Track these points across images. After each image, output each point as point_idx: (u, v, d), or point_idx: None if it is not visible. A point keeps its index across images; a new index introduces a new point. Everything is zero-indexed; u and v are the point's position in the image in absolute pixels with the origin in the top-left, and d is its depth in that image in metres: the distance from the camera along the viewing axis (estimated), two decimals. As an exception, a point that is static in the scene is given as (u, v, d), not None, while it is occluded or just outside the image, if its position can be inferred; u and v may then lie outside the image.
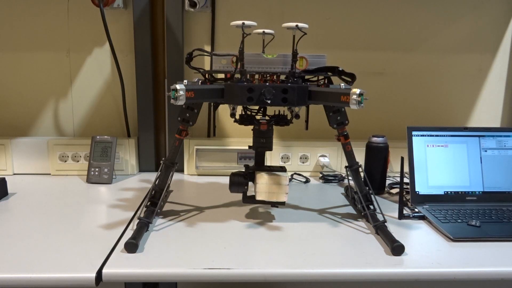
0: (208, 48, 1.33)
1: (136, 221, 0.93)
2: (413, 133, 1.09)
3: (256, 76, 0.94)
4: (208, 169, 1.31)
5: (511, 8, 1.37)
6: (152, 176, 1.29)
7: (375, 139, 1.18)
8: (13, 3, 1.29)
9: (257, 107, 1.01)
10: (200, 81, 0.95)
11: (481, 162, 1.08)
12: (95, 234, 0.86)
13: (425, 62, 1.40)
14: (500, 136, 1.10)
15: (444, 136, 1.10)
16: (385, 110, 1.41)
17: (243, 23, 0.87)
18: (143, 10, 1.26)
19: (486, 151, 1.09)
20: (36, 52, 1.32)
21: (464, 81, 1.41)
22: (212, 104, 1.07)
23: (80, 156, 1.29)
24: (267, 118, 0.98)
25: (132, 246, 0.79)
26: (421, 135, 1.09)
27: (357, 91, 0.80)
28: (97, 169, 1.23)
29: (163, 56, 1.32)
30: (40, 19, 1.30)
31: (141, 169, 1.34)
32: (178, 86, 0.81)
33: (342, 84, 0.93)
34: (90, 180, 1.22)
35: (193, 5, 1.25)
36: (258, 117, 0.99)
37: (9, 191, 1.12)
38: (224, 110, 1.34)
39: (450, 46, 1.39)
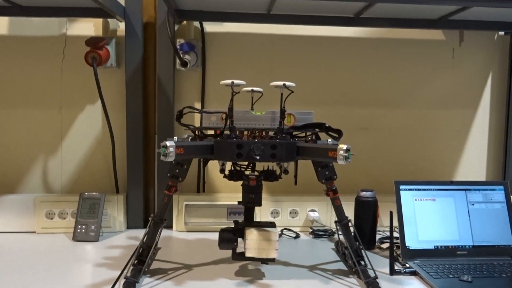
0: (198, 105, 1.36)
1: (122, 280, 0.90)
2: (401, 187, 1.10)
3: (245, 133, 0.96)
4: (197, 225, 1.30)
5: (487, 65, 1.43)
6: (140, 233, 1.27)
7: (363, 194, 1.18)
8: (9, 60, 1.32)
9: (246, 163, 1.01)
10: (190, 138, 0.96)
11: (469, 216, 1.09)
12: (80, 295, 0.84)
13: (409, 117, 1.44)
14: (486, 189, 1.12)
15: (431, 190, 1.11)
16: (373, 165, 1.43)
17: (233, 82, 0.90)
18: (135, 69, 1.29)
19: (473, 204, 1.10)
20: (28, 109, 1.34)
21: (448, 135, 1.44)
22: (201, 160, 1.07)
23: (67, 213, 1.27)
24: (256, 173, 0.99)
25: (117, 307, 0.76)
26: (409, 189, 1.10)
27: (344, 146, 0.82)
28: (84, 226, 1.21)
29: (154, 113, 1.34)
30: (34, 76, 1.33)
31: (129, 226, 1.32)
32: (168, 143, 0.82)
33: (330, 140, 0.95)
34: (76, 237, 1.20)
35: (184, 64, 1.29)
36: (247, 172, 1.00)
37: (-9, 250, 1.09)
38: (213, 165, 1.35)
39: (433, 101, 1.43)
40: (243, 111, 0.97)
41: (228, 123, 0.92)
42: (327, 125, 0.95)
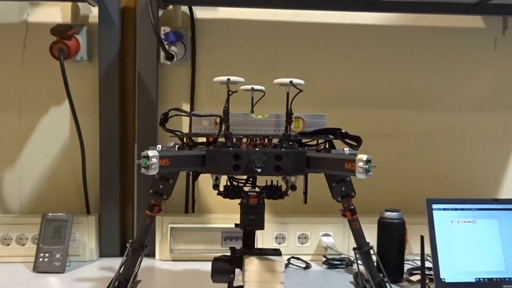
0: (187, 107, 1.36)
1: (93, 321, 0.90)
2: (434, 206, 1.10)
3: (244, 140, 0.96)
4: (185, 253, 1.29)
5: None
6: (116, 263, 1.26)
7: (388, 214, 1.18)
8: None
9: (245, 177, 1.00)
10: (177, 146, 0.96)
11: (517, 241, 1.09)
12: None
13: (442, 122, 1.44)
14: (537, 209, 1.11)
15: (471, 209, 1.10)
16: (399, 179, 1.43)
17: (229, 79, 0.90)
18: (110, 63, 1.30)
19: (522, 227, 1.10)
20: (-20, 112, 1.34)
21: (491, 143, 1.44)
22: (191, 173, 1.07)
23: (27, 239, 1.26)
24: (257, 190, 0.98)
25: None
26: (444, 209, 1.10)
27: (364, 157, 0.82)
28: (47, 255, 1.20)
29: (133, 117, 1.35)
30: (-12, 73, 1.34)
31: (102, 254, 1.32)
32: (150, 153, 0.82)
33: (346, 149, 0.94)
34: (37, 268, 1.19)
35: (170, 57, 1.29)
36: (246, 188, 0.99)
37: None
38: (205, 180, 1.34)
39: (471, 102, 1.44)
40: (241, 114, 0.97)
41: (223, 128, 0.91)
42: (343, 131, 0.95)
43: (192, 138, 0.99)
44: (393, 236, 1.16)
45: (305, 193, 1.03)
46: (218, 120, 0.96)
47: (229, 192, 0.98)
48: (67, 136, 1.36)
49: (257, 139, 0.97)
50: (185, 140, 0.98)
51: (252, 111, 1.08)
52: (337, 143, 1.00)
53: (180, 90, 1.36)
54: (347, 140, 0.96)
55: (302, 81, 0.92)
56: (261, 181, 1.03)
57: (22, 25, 1.33)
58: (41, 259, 1.19)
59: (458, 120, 1.44)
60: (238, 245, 1.05)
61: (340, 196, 0.94)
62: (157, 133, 1.32)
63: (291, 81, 0.91)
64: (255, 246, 1.02)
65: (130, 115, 1.35)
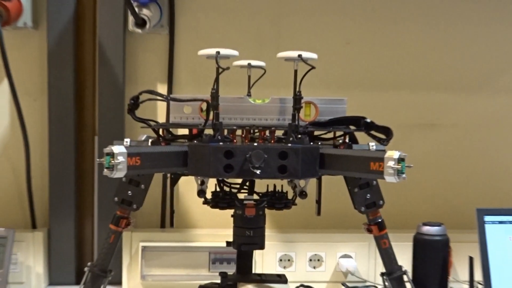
0: (163, 89, 1.35)
1: None
2: (486, 218, 1.10)
3: (239, 132, 0.96)
4: (161, 280, 1.29)
5: None
6: (71, 293, 1.27)
7: (427, 230, 1.18)
8: None
9: (239, 181, 1.00)
10: (150, 141, 0.96)
11: None
12: None
13: (497, 108, 1.44)
14: None
15: (534, 223, 1.11)
16: (441, 183, 1.43)
17: (218, 53, 0.89)
18: (62, 31, 1.29)
19: None
20: None
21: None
22: (169, 176, 1.08)
23: (-46, 261, 1.26)
24: (255, 197, 0.98)
25: None
26: (499, 222, 1.10)
27: (395, 154, 0.82)
28: (-20, 282, 1.20)
29: (93, 102, 1.34)
30: None
31: (53, 282, 1.32)
32: (115, 149, 0.82)
33: (372, 144, 0.94)
34: (-32, 300, 1.19)
35: (141, 23, 1.28)
36: (241, 196, 0.99)
37: None
38: (187, 185, 1.32)
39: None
40: (235, 98, 0.97)
41: (210, 117, 0.91)
42: (368, 120, 0.95)
43: (171, 129, 0.99)
44: (433, 257, 1.16)
45: (318, 201, 1.02)
46: (204, 106, 0.95)
47: (219, 201, 0.98)
48: (6, 127, 1.36)
49: (256, 131, 0.97)
50: (161, 133, 0.98)
51: (249, 94, 1.08)
52: (360, 136, 1.01)
53: (154, 66, 1.35)
54: (373, 132, 0.96)
55: (314, 55, 0.92)
56: (261, 186, 1.03)
57: None
58: (-28, 288, 1.19)
59: (518, 106, 1.44)
60: (231, 270, 1.05)
61: (364, 205, 0.94)
62: (125, 123, 1.32)
63: (300, 55, 0.90)
64: (253, 271, 1.02)
65: (89, 99, 1.35)
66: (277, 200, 0.98)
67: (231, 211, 0.97)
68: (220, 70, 0.89)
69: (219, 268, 1.27)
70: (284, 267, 1.32)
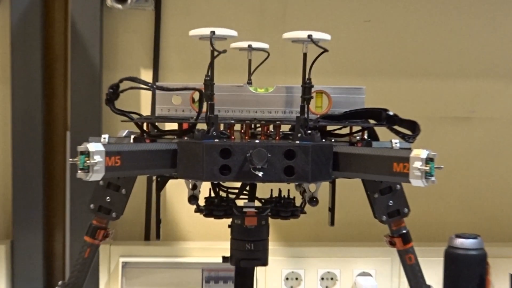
0: (148, 75, 1.36)
1: None
2: (531, 230, 1.10)
3: (237, 127, 0.96)
4: (145, 303, 1.30)
5: None
6: (38, 317, 1.27)
7: (461, 243, 1.18)
8: None
9: (238, 185, 1.01)
10: (132, 137, 0.96)
11: None
12: None
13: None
14: None
15: None
16: (477, 188, 1.44)
17: (213, 33, 0.89)
18: (28, 6, 1.29)
19: None
20: None
21: None
22: (155, 179, 1.08)
23: None
24: (257, 204, 0.98)
25: None
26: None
27: (423, 153, 0.82)
28: None
29: (64, 91, 1.35)
30: None
31: (17, 304, 1.32)
32: (91, 147, 0.82)
33: (396, 141, 0.94)
34: None
35: (121, -2, 1.30)
36: (240, 202, 0.99)
37: None
38: (177, 189, 1.34)
39: None
40: (233, 86, 0.97)
41: (204, 109, 0.91)
42: (390, 113, 0.95)
43: (156, 124, 1.00)
44: (468, 275, 1.16)
45: (331, 209, 1.03)
46: (196, 96, 0.96)
47: (214, 208, 0.98)
48: (-38, 121, 1.36)
49: (257, 125, 0.98)
50: (145, 128, 0.98)
51: (249, 82, 1.08)
52: (382, 132, 1.01)
53: (137, 49, 1.36)
54: (396, 128, 0.96)
55: (327, 36, 0.92)
56: (264, 191, 1.03)
57: None
58: None
59: None
60: (228, 290, 1.06)
61: (386, 214, 0.94)
62: (102, 116, 1.32)
63: (310, 36, 0.90)
64: (255, 292, 1.03)
65: (59, 88, 1.35)
66: (283, 208, 0.99)
67: (228, 221, 0.97)
68: (216, 53, 0.89)
69: (214, 288, 1.28)
70: (292, 287, 1.31)
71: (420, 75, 1.41)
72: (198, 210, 0.99)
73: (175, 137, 0.96)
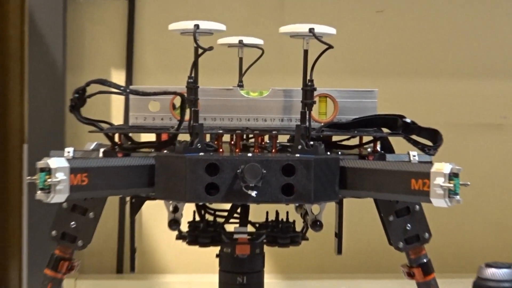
0: (120, 77, 1.38)
1: None
2: None
3: (226, 138, 0.97)
4: None
5: None
6: None
7: (492, 273, 1.19)
8: None
9: (228, 206, 1.01)
10: (102, 150, 0.96)
11: None
12: None
13: None
14: None
15: None
16: (510, 208, 1.44)
17: (197, 26, 0.89)
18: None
19: None
20: None
21: None
22: (128, 200, 1.07)
23: None
24: (250, 229, 0.99)
25: None
26: None
27: (447, 167, 0.82)
28: None
29: (20, 97, 1.36)
30: None
31: None
32: (53, 163, 0.82)
33: (413, 153, 0.95)
34: None
35: (88, -14, 1.31)
36: (230, 227, 0.99)
37: None
38: (154, 212, 1.34)
39: None
40: (221, 90, 0.98)
41: (187, 117, 0.92)
42: (407, 120, 0.96)
43: (130, 134, 1.00)
44: (501, 313, 1.17)
45: (338, 235, 1.03)
46: (177, 101, 0.96)
47: (199, 235, 0.98)
48: None
49: (250, 136, 0.99)
50: (117, 139, 0.98)
51: (240, 85, 1.10)
52: (397, 142, 1.02)
53: (107, 46, 1.38)
54: (415, 137, 0.96)
55: (332, 29, 0.92)
56: (258, 213, 1.04)
57: None
58: None
59: None
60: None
61: (403, 240, 0.95)
62: (65, 126, 1.33)
63: (311, 30, 0.91)
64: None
65: (14, 92, 1.36)
66: (281, 233, 0.99)
67: (216, 249, 0.98)
68: (200, 51, 0.89)
69: (200, 330, 1.29)
70: (292, 328, 1.33)
71: (442, 76, 1.42)
72: (180, 237, 0.99)
73: (153, 150, 0.96)
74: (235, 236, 0.96)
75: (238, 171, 0.87)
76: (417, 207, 0.95)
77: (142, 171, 0.90)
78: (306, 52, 0.92)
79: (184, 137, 0.92)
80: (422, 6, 1.38)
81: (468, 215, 1.39)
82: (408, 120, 0.97)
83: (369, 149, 1.00)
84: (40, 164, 0.82)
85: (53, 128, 1.31)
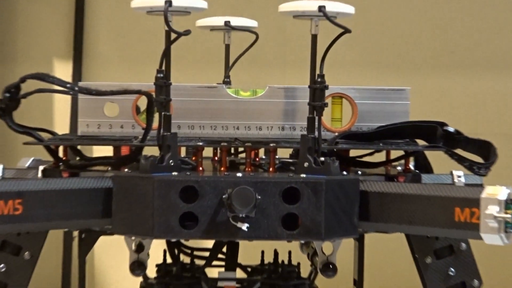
0: (66, 70, 1.35)
1: None
2: None
3: (208, 152, 0.94)
4: None
5: None
6: None
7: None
8: None
9: (211, 242, 0.99)
10: (41, 168, 0.94)
11: None
12: None
13: None
14: None
15: None
16: None
17: (169, 3, 0.86)
18: None
19: None
20: None
21: None
22: (77, 235, 1.05)
23: None
24: (239, 275, 0.96)
25: None
26: None
27: (502, 192, 0.78)
28: None
29: None
30: None
31: None
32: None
33: (458, 174, 0.93)
34: None
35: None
36: (213, 272, 0.98)
37: None
38: (111, 251, 1.35)
39: None
40: (201, 87, 0.95)
41: (156, 124, 0.88)
42: (450, 129, 0.92)
43: (79, 147, 0.96)
44: None
45: (358, 282, 1.00)
46: (143, 103, 0.93)
47: (172, 282, 0.96)
48: None
49: (240, 149, 0.96)
50: (61, 153, 0.95)
51: (227, 81, 1.07)
52: (436, 158, 0.97)
53: (50, 29, 1.35)
54: (460, 151, 0.92)
55: (349, 8, 0.89)
56: (251, 253, 1.02)
57: None
58: None
59: None
60: None
61: (444, 288, 0.93)
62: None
63: (322, 8, 0.87)
64: None
65: None
66: (281, 280, 0.96)
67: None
68: (174, 35, 0.87)
69: None
70: None
71: (493, 70, 1.37)
72: (146, 284, 0.96)
73: (109, 168, 0.93)
74: (220, 284, 0.93)
75: (223, 196, 0.83)
76: (463, 245, 0.92)
77: (95, 196, 0.86)
78: (314, 37, 0.88)
79: (151, 150, 0.90)
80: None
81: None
82: (451, 129, 0.93)
83: (399, 168, 0.97)
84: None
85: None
